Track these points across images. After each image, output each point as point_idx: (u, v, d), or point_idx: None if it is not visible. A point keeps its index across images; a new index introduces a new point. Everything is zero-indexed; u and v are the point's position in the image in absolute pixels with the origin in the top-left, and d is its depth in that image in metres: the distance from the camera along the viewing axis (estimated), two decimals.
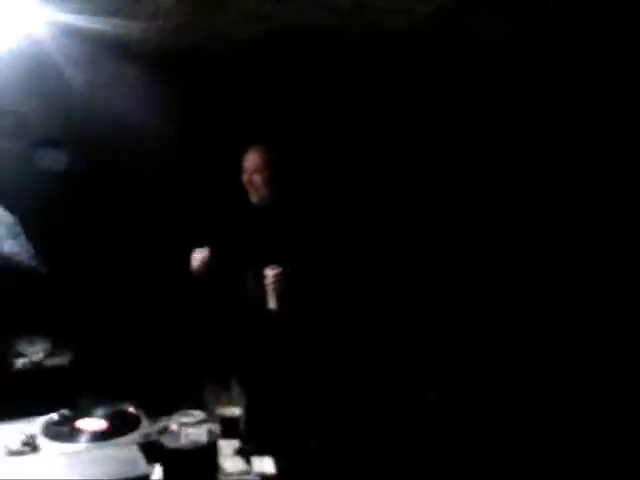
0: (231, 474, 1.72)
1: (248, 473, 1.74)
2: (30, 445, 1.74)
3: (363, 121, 3.05)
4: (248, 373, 2.41)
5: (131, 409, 1.97)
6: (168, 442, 1.72)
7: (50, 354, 2.44)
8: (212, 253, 2.45)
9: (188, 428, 1.76)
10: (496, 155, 2.96)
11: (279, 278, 2.34)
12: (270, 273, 2.35)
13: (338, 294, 2.43)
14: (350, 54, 2.68)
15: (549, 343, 2.74)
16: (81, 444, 1.80)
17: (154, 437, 1.76)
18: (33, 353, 2.38)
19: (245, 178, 2.51)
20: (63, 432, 1.84)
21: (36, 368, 2.30)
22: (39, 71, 2.67)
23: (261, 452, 1.80)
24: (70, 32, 2.41)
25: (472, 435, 2.60)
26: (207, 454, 1.72)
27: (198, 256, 2.46)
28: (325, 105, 2.99)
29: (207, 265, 2.45)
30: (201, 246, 2.47)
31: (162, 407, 1.89)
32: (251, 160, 2.51)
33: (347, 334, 2.52)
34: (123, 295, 2.71)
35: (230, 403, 1.90)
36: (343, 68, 2.80)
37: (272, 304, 2.36)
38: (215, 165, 2.81)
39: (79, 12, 2.30)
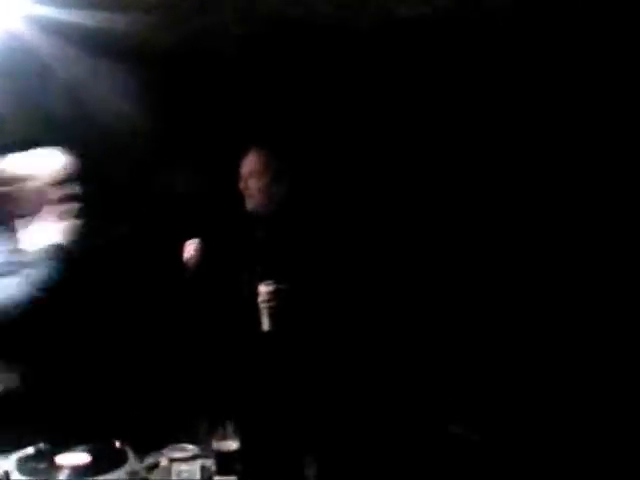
0: None
1: None
2: None
3: (369, 123, 2.95)
4: (244, 402, 2.29)
5: (117, 443, 1.85)
6: None
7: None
8: (205, 247, 2.39)
9: (180, 464, 1.71)
10: (513, 153, 2.87)
11: (273, 296, 2.22)
12: (264, 290, 2.22)
13: (340, 315, 2.31)
14: (357, 49, 2.60)
15: (579, 376, 2.64)
16: None
17: (142, 474, 1.69)
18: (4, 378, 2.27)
19: (241, 184, 2.43)
20: (40, 468, 1.73)
21: (7, 394, 2.20)
22: (16, 69, 2.57)
23: None
24: (50, 27, 2.32)
25: (495, 474, 2.49)
26: None
27: (190, 247, 2.39)
28: (328, 105, 2.89)
29: (199, 257, 2.38)
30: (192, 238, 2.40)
31: (151, 441, 1.81)
32: (247, 165, 2.43)
33: (352, 359, 2.40)
34: (108, 311, 2.58)
35: (226, 436, 1.81)
36: (349, 65, 2.71)
37: (266, 325, 2.23)
38: (209, 169, 2.71)
39: (59, 5, 2.20)
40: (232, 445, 1.80)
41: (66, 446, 1.82)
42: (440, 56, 2.73)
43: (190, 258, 2.39)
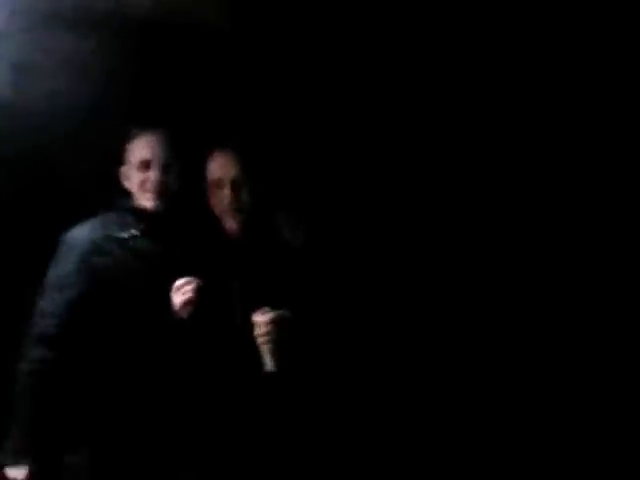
0: None
1: None
2: None
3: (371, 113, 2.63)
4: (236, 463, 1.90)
5: None
6: None
7: None
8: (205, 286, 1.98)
9: None
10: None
11: (276, 327, 1.86)
12: (261, 320, 1.86)
13: (360, 344, 2.03)
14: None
15: None
16: None
17: None
18: None
19: (210, 193, 2.09)
20: None
21: None
22: None
23: None
24: None
25: None
26: None
27: (186, 286, 1.96)
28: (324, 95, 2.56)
29: (199, 298, 1.96)
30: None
31: None
32: (216, 171, 2.09)
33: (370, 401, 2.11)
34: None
35: None
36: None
37: (269, 365, 1.88)
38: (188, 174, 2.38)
39: None
40: None
41: None
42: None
43: (186, 301, 1.97)
